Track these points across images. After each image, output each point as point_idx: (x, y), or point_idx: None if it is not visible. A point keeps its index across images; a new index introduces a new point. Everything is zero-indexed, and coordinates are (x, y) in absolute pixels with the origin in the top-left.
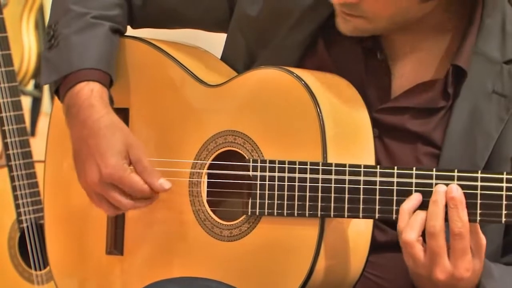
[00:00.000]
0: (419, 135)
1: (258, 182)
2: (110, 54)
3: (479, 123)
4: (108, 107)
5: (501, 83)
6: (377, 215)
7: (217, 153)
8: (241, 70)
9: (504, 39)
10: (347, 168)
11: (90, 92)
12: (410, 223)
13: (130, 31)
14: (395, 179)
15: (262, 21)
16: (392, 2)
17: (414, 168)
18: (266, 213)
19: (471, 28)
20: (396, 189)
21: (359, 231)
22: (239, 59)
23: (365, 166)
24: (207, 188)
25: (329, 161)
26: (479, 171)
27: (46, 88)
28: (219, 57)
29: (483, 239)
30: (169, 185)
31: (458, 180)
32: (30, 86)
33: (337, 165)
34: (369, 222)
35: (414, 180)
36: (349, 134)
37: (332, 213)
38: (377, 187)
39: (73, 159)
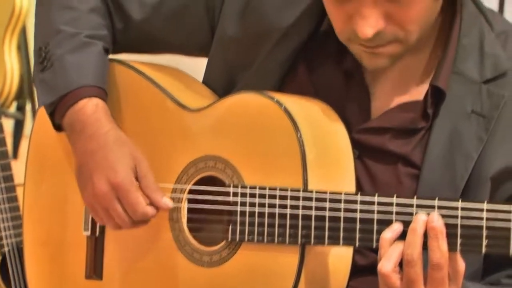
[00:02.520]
0: (399, 155)
1: (239, 208)
2: (105, 72)
3: (458, 144)
4: (113, 122)
5: (480, 103)
6: (357, 243)
7: (197, 178)
8: (222, 94)
9: (482, 59)
10: (327, 196)
11: (95, 107)
12: (387, 254)
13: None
14: (375, 207)
15: (243, 43)
16: (418, 3)
17: (395, 196)
18: (246, 240)
19: (449, 48)
20: (377, 219)
21: (339, 256)
22: (220, 82)
23: (346, 194)
24: (188, 213)
25: (310, 186)
26: (460, 200)
27: (28, 110)
28: (201, 81)
29: (461, 266)
30: (172, 204)
31: (438, 209)
32: (12, 108)
33: (317, 193)
34: (350, 247)
35: (394, 209)
36: (330, 158)
37: (312, 241)
38: (358, 216)
39: (77, 174)
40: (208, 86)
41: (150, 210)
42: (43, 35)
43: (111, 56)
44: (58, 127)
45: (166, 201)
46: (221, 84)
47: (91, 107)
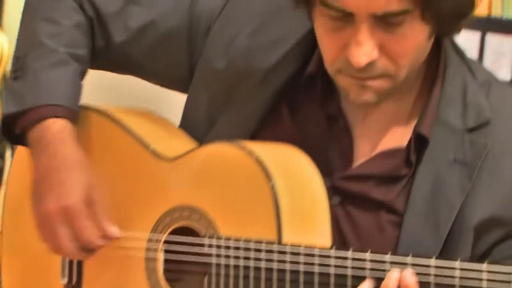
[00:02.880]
0: (382, 203)
1: (214, 260)
2: (78, 94)
3: (441, 192)
4: (78, 145)
5: (463, 152)
6: None
7: (172, 228)
8: (201, 136)
9: (465, 108)
10: (302, 251)
11: (62, 128)
12: None
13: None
14: (349, 263)
15: (225, 80)
16: (412, 39)
17: (369, 251)
18: None
19: (433, 95)
20: (351, 274)
21: None
22: (200, 120)
23: (320, 249)
24: (164, 263)
25: (284, 237)
26: (434, 257)
27: (8, 157)
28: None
29: None
30: (119, 233)
31: (412, 266)
32: None
33: (292, 246)
34: None
35: (368, 265)
36: (305, 208)
37: None
38: (332, 272)
39: (34, 187)
40: (187, 124)
41: (95, 238)
42: (24, 45)
43: (86, 103)
44: (16, 139)
45: (114, 230)
46: (200, 122)
47: (57, 127)
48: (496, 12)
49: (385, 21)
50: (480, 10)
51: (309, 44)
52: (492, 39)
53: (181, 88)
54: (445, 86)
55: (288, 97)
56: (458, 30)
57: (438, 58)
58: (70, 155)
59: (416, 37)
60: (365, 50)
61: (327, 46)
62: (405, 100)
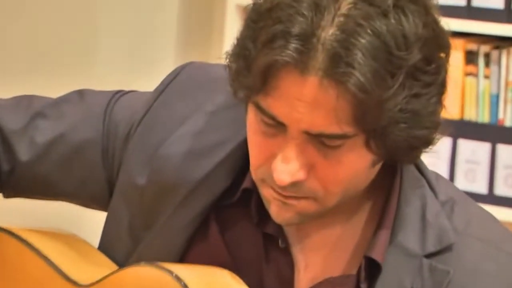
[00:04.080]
0: None
1: None
2: None
3: None
4: None
5: (421, 280)
6: None
7: None
8: (122, 257)
9: (424, 229)
10: None
11: None
12: None
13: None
14: None
15: (146, 196)
16: (349, 166)
17: None
18: None
19: (386, 215)
20: None
21: None
22: (121, 241)
23: None
24: None
25: None
26: None
27: None
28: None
29: None
30: None
31: None
32: None
33: None
34: None
35: None
36: None
37: None
38: None
39: None
40: (106, 249)
41: None
42: None
43: None
44: None
45: None
46: (122, 244)
47: None
48: (470, 116)
49: (320, 141)
50: (452, 112)
51: (247, 153)
52: (465, 145)
53: (106, 207)
54: (401, 205)
55: (217, 214)
56: (413, 160)
57: (393, 173)
58: None
59: (354, 165)
60: (290, 168)
61: (254, 149)
62: (354, 220)
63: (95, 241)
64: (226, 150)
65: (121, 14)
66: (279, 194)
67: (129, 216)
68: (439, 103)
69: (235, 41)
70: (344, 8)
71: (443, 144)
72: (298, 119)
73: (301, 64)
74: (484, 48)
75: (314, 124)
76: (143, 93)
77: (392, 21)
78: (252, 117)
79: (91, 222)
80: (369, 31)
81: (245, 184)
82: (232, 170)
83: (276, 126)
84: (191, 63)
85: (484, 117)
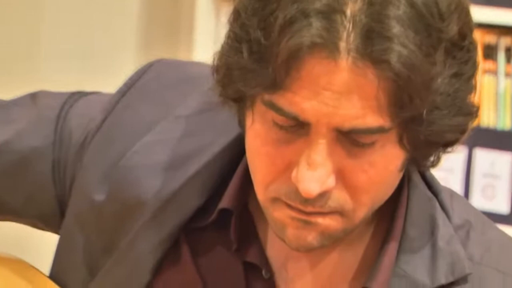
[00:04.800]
0: None
1: None
2: None
3: None
4: None
5: None
6: None
7: None
8: (78, 287)
9: (434, 257)
10: None
11: None
12: None
13: None
14: None
15: (106, 215)
16: (382, 169)
17: None
18: None
19: (390, 240)
20: None
21: None
22: (76, 270)
23: None
24: None
25: None
26: None
27: None
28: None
29: None
30: None
31: None
32: None
33: None
34: None
35: None
36: None
37: None
38: None
39: None
40: (59, 273)
41: None
42: None
43: None
44: None
45: None
46: (76, 271)
47: None
48: (488, 122)
49: (351, 140)
50: None
51: (225, 166)
52: (482, 155)
53: (57, 229)
54: (407, 229)
55: (189, 236)
56: (437, 163)
57: (399, 192)
58: None
59: (388, 167)
60: (319, 175)
61: (263, 163)
62: (353, 247)
63: (46, 267)
64: (200, 162)
65: (70, 5)
66: (300, 212)
67: (84, 240)
68: (474, 85)
69: (228, 36)
70: None
71: (456, 155)
72: (328, 114)
73: (330, 45)
74: (505, 41)
75: (347, 118)
76: (105, 95)
77: None
78: (258, 124)
79: (42, 244)
80: (401, 0)
81: (223, 204)
82: (206, 187)
83: (295, 129)
84: (159, 60)
85: (505, 123)
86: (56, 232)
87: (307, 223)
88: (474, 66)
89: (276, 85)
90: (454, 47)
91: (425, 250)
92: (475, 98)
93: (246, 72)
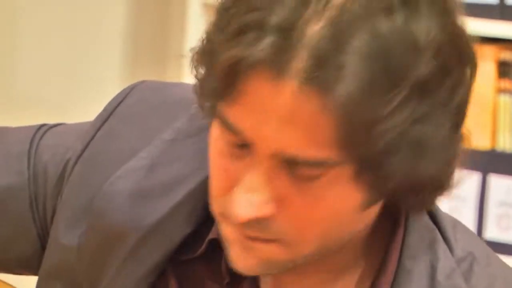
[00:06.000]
0: None
1: None
2: None
3: None
4: None
5: None
6: None
7: None
8: None
9: None
10: None
11: None
12: None
13: None
14: None
15: (89, 247)
16: (328, 206)
17: None
18: None
19: (383, 273)
20: None
21: None
22: None
23: None
24: None
25: None
26: None
27: None
28: None
29: None
30: None
31: None
32: None
33: None
34: None
35: None
36: None
37: None
38: None
39: None
40: None
41: None
42: None
43: None
44: None
45: None
46: None
47: None
48: (503, 146)
49: (294, 170)
50: (481, 142)
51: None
52: (497, 182)
53: (37, 271)
54: (403, 262)
55: (177, 267)
56: (420, 207)
57: (396, 217)
58: None
59: (336, 205)
60: (255, 200)
61: (215, 175)
62: (345, 280)
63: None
64: (186, 188)
65: (47, 16)
66: (241, 233)
67: (64, 281)
68: (454, 131)
69: (203, 36)
70: None
71: (469, 181)
72: (268, 137)
73: (277, 65)
74: None
75: (287, 144)
76: (78, 124)
77: (398, 20)
78: (216, 134)
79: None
80: (367, 30)
81: (213, 234)
82: (193, 215)
83: (242, 145)
84: (142, 82)
85: None
86: (35, 274)
87: (247, 247)
88: (458, 109)
89: (220, 94)
90: (426, 86)
91: (422, 285)
92: (457, 148)
93: (202, 79)
